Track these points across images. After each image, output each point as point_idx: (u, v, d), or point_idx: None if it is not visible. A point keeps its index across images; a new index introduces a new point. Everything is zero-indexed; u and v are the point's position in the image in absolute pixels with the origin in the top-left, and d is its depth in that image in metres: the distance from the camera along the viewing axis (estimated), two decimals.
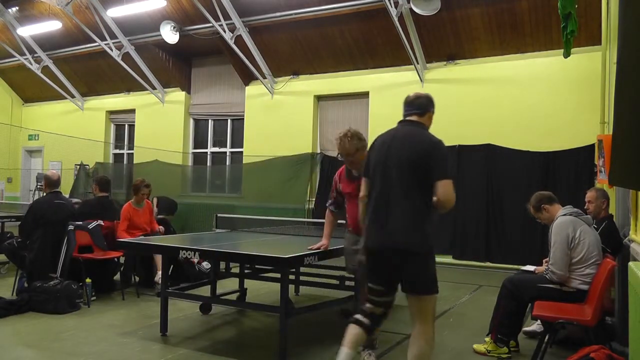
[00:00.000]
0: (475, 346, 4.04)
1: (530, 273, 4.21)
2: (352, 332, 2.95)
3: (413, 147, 2.88)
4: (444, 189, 2.75)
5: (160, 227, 6.62)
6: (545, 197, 4.09)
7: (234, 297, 5.33)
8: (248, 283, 5.60)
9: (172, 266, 5.83)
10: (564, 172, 8.00)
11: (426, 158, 2.81)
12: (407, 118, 3.10)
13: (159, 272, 5.88)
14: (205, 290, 5.10)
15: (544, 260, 4.10)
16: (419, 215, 2.81)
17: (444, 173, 2.79)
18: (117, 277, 6.13)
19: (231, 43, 10.28)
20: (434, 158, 2.81)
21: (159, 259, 5.88)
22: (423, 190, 2.81)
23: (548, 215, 4.04)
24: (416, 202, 2.82)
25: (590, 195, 4.46)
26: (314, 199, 10.22)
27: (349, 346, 2.91)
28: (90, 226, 5.72)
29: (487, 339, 4.03)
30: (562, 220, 3.82)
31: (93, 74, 13.30)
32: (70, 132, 12.48)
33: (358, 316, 2.97)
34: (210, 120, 12.37)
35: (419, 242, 2.81)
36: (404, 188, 2.83)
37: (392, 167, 2.89)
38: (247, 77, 11.39)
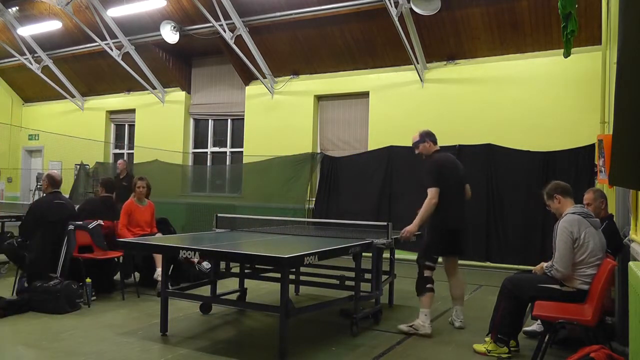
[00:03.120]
0: (475, 346, 4.05)
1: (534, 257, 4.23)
2: (430, 296, 4.52)
3: (460, 166, 4.89)
4: (469, 189, 4.96)
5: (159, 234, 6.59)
6: (560, 187, 4.04)
7: (234, 297, 5.33)
8: (248, 283, 5.60)
9: (172, 266, 5.84)
10: (564, 172, 7.98)
11: (464, 172, 4.90)
12: (438, 146, 4.86)
13: (159, 269, 5.87)
14: (205, 290, 5.10)
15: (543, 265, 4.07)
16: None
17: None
18: (117, 277, 6.13)
19: (231, 43, 10.28)
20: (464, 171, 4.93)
21: (158, 256, 5.88)
22: None
23: (558, 205, 3.99)
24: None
25: (588, 197, 4.46)
26: (314, 199, 10.22)
27: (430, 306, 4.57)
28: (91, 226, 5.73)
29: (487, 339, 4.03)
30: (569, 218, 3.78)
31: (93, 74, 13.31)
32: (70, 132, 12.48)
33: (430, 286, 4.53)
34: (210, 120, 12.37)
35: None
36: (462, 191, 4.82)
37: (459, 179, 4.77)
38: (247, 77, 11.39)
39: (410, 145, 4.98)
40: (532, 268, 4.18)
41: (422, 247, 4.67)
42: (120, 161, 10.04)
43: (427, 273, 4.55)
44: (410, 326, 4.49)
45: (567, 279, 3.74)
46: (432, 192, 4.50)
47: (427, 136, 4.84)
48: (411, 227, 4.62)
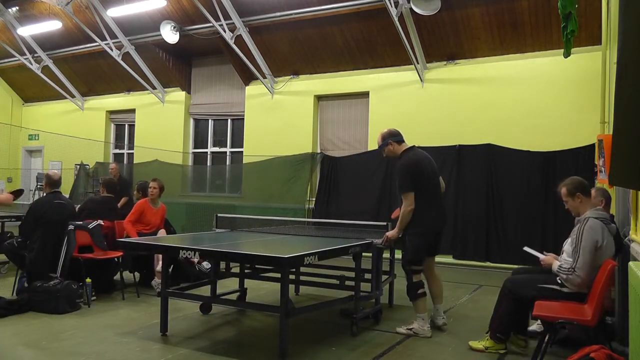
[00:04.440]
0: (471, 343, 4.06)
1: (534, 257, 4.18)
2: (424, 301, 4.46)
3: (433, 161, 4.64)
4: (443, 182, 4.79)
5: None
6: (583, 186, 3.91)
7: (234, 297, 5.33)
8: (248, 283, 5.60)
9: (172, 266, 5.83)
10: (564, 172, 7.90)
11: (436, 166, 4.71)
12: (407, 144, 4.63)
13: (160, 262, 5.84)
14: (205, 290, 5.10)
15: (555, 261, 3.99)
16: None
17: None
18: (117, 277, 6.13)
19: (231, 43, 10.28)
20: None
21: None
22: None
23: (579, 204, 3.87)
24: None
25: None
26: (314, 199, 10.22)
27: (427, 310, 4.50)
28: (90, 226, 5.73)
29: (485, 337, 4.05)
30: (594, 225, 3.67)
31: (93, 74, 13.31)
32: (70, 132, 12.48)
33: (422, 290, 4.47)
34: (210, 120, 12.37)
35: None
36: (438, 188, 4.62)
37: (434, 174, 4.56)
38: (247, 77, 11.39)
39: (410, 145, 4.89)
40: (542, 257, 4.12)
41: (407, 253, 4.49)
42: (112, 165, 9.57)
43: (416, 278, 4.45)
44: (409, 329, 4.47)
45: (581, 286, 3.63)
46: (408, 199, 4.35)
47: (390, 136, 4.57)
48: (392, 233, 4.53)
